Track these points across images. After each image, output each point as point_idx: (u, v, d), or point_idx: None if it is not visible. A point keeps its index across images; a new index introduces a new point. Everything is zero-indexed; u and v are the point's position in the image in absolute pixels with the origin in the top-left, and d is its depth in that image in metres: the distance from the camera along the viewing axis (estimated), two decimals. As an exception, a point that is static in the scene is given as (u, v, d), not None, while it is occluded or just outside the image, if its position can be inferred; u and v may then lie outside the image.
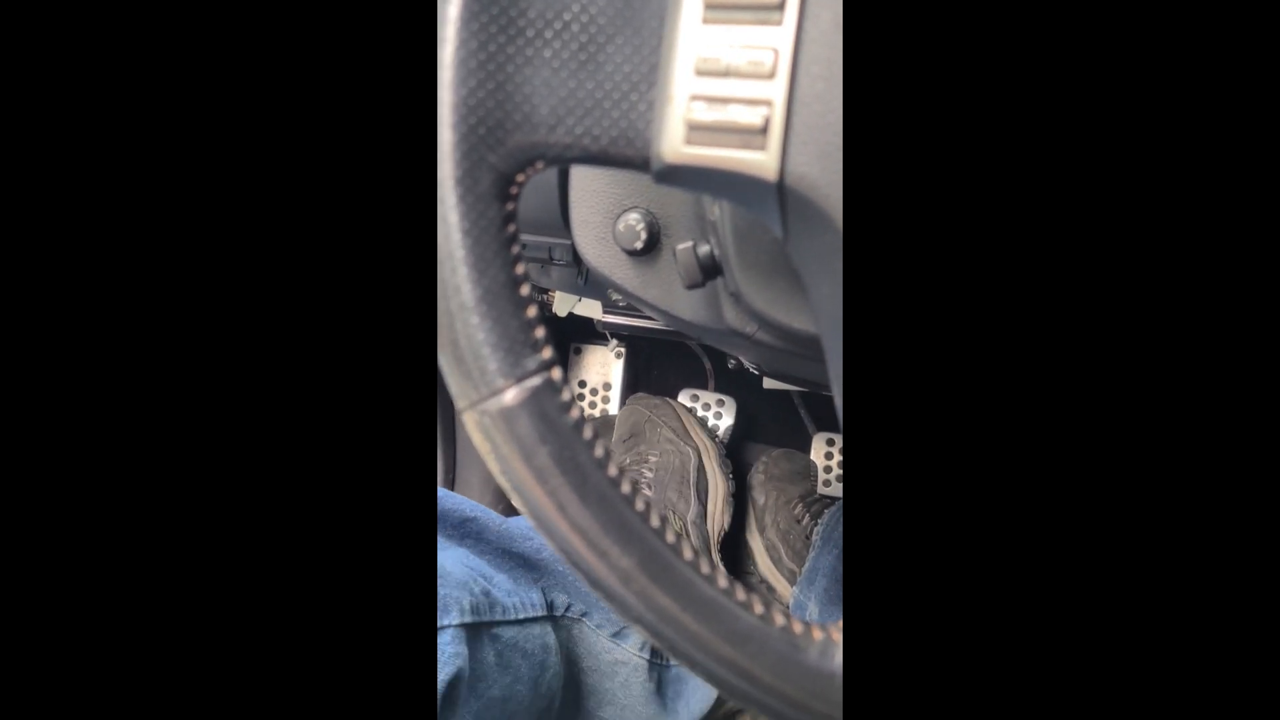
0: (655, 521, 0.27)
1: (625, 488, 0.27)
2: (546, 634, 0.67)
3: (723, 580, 0.27)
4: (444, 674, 0.53)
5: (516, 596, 0.65)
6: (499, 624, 0.62)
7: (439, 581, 0.58)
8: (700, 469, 1.02)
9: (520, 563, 0.70)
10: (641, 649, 0.74)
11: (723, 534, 1.02)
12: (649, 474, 1.00)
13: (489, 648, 0.61)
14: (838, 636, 0.27)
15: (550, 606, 0.69)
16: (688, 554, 0.27)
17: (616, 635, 0.73)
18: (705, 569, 0.27)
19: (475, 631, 0.59)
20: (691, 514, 1.00)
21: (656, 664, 0.75)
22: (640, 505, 0.27)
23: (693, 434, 1.04)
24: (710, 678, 0.27)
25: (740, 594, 0.27)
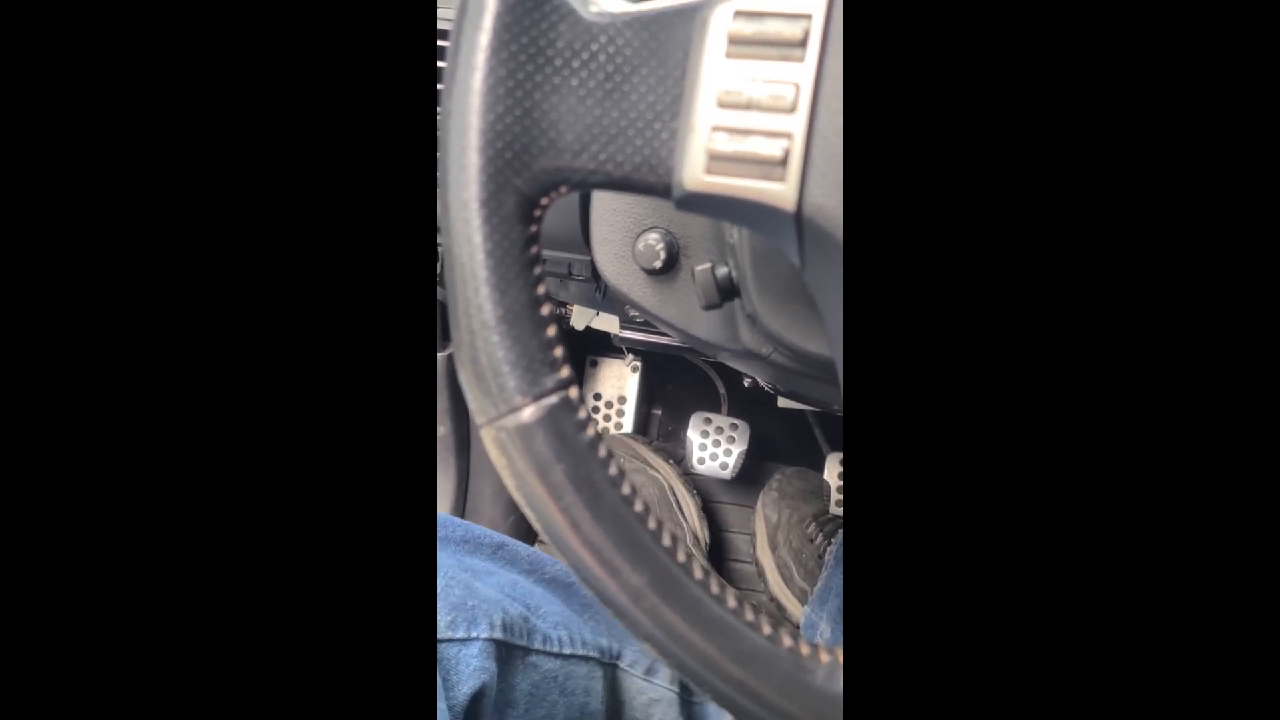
0: (667, 540, 0.27)
1: (638, 506, 0.27)
2: (593, 677, 0.64)
3: (732, 600, 0.27)
4: (467, 687, 0.51)
5: (565, 630, 0.62)
6: (537, 652, 0.59)
7: (469, 595, 0.56)
8: (672, 491, 1.06)
9: (567, 593, 0.68)
10: (672, 683, 0.71)
11: (707, 546, 1.06)
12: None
13: (522, 675, 0.58)
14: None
15: (601, 651, 0.65)
16: (698, 573, 0.27)
17: (649, 672, 0.70)
18: (715, 589, 0.27)
19: (508, 652, 0.57)
20: (686, 537, 1.02)
21: (688, 699, 0.72)
22: (652, 524, 0.27)
23: (652, 463, 1.08)
24: (717, 696, 0.27)
25: (749, 614, 0.27)
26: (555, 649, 0.61)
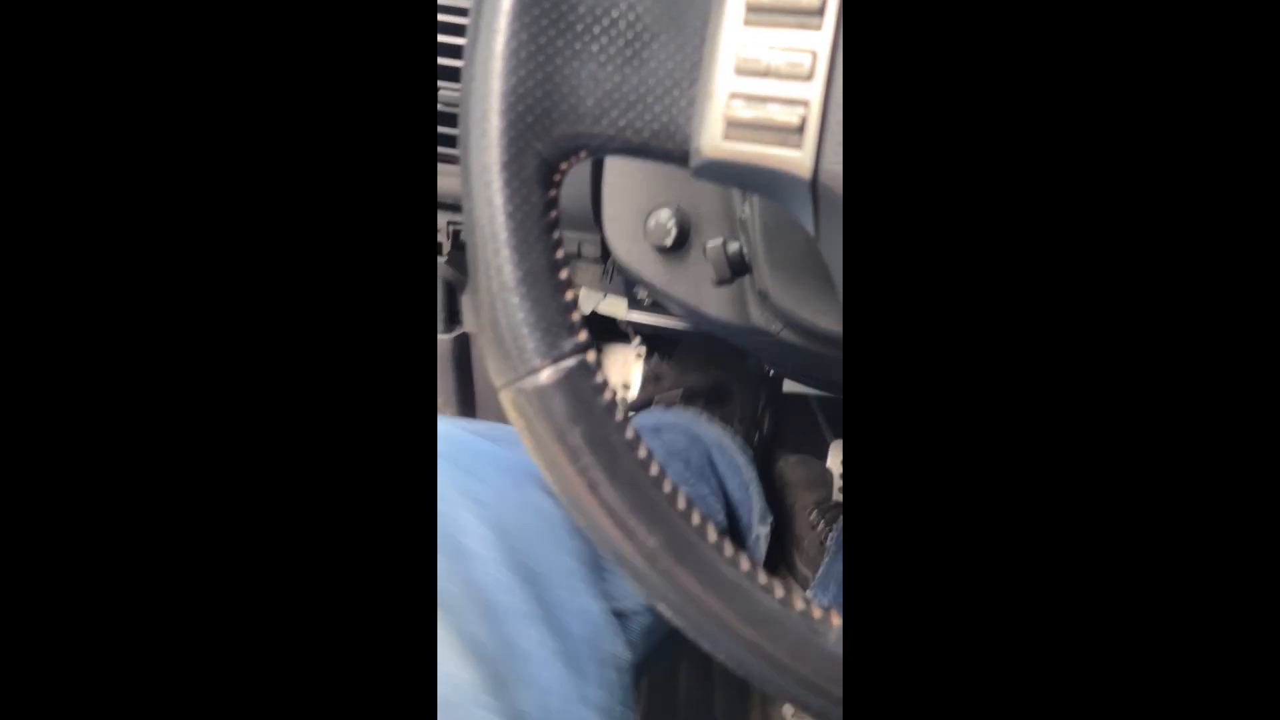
0: (682, 504, 0.28)
1: (654, 470, 0.27)
2: None
3: (745, 563, 0.28)
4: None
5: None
6: None
7: None
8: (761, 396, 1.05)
9: None
10: None
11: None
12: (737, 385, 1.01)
13: None
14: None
15: None
16: (712, 536, 0.28)
17: None
18: (729, 552, 0.28)
19: None
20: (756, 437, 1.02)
21: None
22: (668, 487, 0.28)
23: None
24: (730, 658, 0.28)
25: (762, 578, 0.28)
26: None
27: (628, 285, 0.73)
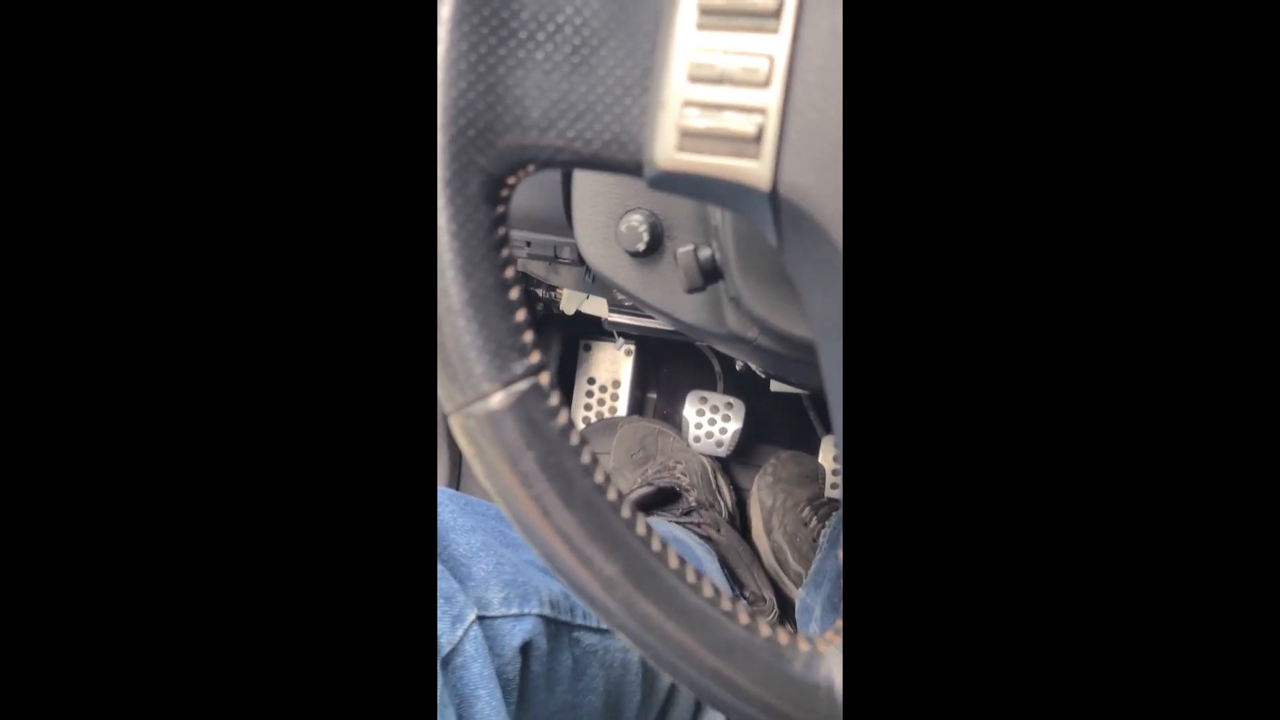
0: (641, 529, 0.27)
1: (611, 495, 0.26)
2: (629, 650, 0.64)
3: (708, 589, 0.27)
4: (520, 662, 0.53)
5: None
6: (579, 628, 0.61)
7: (518, 573, 0.57)
8: (715, 475, 1.07)
9: None
10: None
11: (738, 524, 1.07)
12: (684, 478, 1.04)
13: (567, 650, 0.60)
14: (824, 648, 0.27)
15: None
16: (673, 562, 0.27)
17: None
18: (691, 578, 0.27)
19: (555, 628, 0.58)
20: (725, 513, 1.05)
21: None
22: (626, 512, 0.27)
23: (695, 451, 1.09)
24: (694, 687, 0.27)
25: (726, 604, 0.27)
26: (595, 624, 0.62)
27: (608, 287, 0.72)
